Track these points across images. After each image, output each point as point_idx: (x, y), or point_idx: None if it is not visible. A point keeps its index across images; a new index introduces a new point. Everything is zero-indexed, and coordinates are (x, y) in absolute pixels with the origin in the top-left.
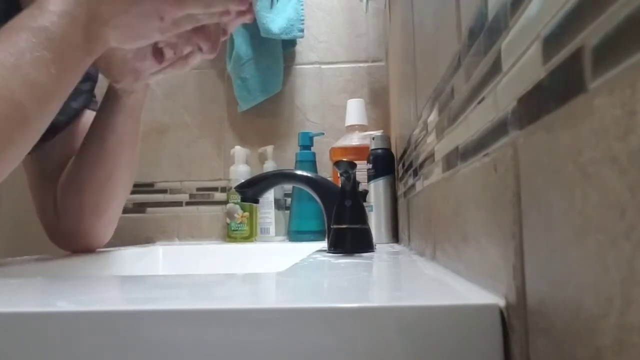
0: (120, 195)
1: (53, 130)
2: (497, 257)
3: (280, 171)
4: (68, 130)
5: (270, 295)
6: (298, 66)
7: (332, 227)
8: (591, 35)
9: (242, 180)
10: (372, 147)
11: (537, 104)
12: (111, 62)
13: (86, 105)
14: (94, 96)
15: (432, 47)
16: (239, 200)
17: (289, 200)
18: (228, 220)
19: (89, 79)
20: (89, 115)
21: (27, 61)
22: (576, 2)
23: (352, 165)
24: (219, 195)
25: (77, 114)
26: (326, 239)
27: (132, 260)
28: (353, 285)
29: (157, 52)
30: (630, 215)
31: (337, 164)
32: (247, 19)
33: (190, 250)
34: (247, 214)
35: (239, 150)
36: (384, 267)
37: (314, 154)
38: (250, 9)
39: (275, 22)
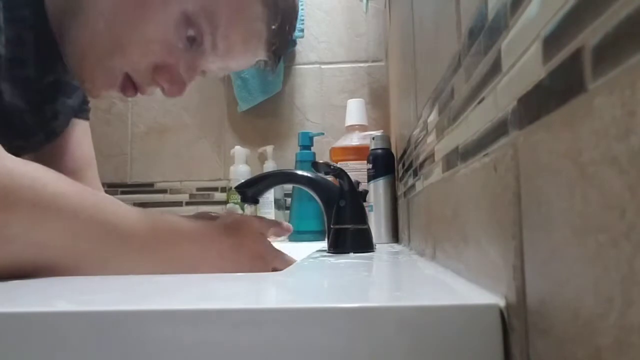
0: None
1: (44, 136)
2: (497, 257)
3: (280, 171)
4: (56, 144)
5: (270, 295)
6: (298, 66)
7: (332, 227)
8: (591, 35)
9: (242, 180)
10: (372, 147)
11: (537, 104)
12: (83, 66)
13: (77, 112)
14: (87, 103)
15: (432, 47)
16: (239, 200)
17: (289, 200)
18: None
19: None
20: (78, 126)
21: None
22: (576, 2)
23: (329, 165)
24: (219, 195)
25: (71, 118)
26: (326, 239)
27: None
28: (353, 285)
29: (127, 87)
30: (630, 215)
31: (314, 166)
32: None
33: None
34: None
35: (239, 150)
36: (384, 267)
37: (314, 154)
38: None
39: None
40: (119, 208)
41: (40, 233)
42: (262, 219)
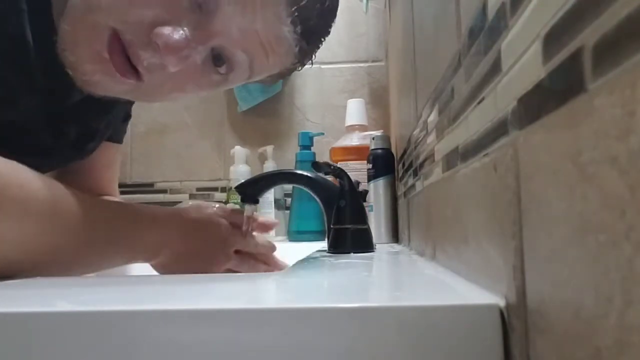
0: None
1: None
2: (497, 257)
3: (280, 171)
4: (83, 163)
5: (270, 295)
6: None
7: (332, 227)
8: (591, 35)
9: (242, 180)
10: (372, 147)
11: (537, 104)
12: (68, 36)
13: (111, 136)
14: (127, 120)
15: (432, 47)
16: (239, 200)
17: (289, 200)
18: None
19: None
20: (113, 149)
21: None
22: (576, 2)
23: (329, 165)
24: (219, 195)
25: (105, 137)
26: (326, 239)
27: None
28: (353, 285)
29: (115, 52)
30: (630, 215)
31: (315, 166)
32: None
33: None
34: None
35: (239, 150)
36: (384, 267)
37: (314, 154)
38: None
39: None
40: (95, 203)
41: (20, 233)
42: (222, 206)
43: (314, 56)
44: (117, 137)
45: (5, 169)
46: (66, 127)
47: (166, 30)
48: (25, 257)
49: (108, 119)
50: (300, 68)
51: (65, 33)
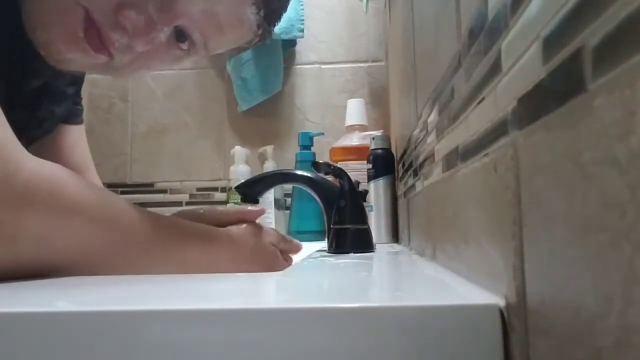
0: None
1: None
2: (497, 257)
3: (280, 171)
4: (42, 144)
5: (270, 295)
6: (298, 66)
7: (332, 227)
8: (591, 35)
9: (242, 180)
10: (372, 147)
11: (537, 104)
12: (39, 14)
13: (67, 119)
14: (79, 103)
15: (432, 47)
16: (239, 200)
17: (289, 200)
18: None
19: (75, 83)
20: (70, 132)
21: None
22: (576, 2)
23: (329, 165)
24: (219, 195)
25: (56, 126)
26: (326, 239)
27: None
28: (353, 285)
29: (91, 34)
30: (630, 215)
31: (315, 166)
32: None
33: None
34: None
35: (239, 150)
36: (384, 267)
37: (314, 154)
38: None
39: None
40: (133, 211)
41: (56, 238)
42: (276, 232)
43: (273, 30)
44: (75, 119)
45: (57, 172)
46: (16, 114)
47: (133, 14)
48: (67, 261)
49: (61, 107)
50: (259, 43)
51: (31, 13)
